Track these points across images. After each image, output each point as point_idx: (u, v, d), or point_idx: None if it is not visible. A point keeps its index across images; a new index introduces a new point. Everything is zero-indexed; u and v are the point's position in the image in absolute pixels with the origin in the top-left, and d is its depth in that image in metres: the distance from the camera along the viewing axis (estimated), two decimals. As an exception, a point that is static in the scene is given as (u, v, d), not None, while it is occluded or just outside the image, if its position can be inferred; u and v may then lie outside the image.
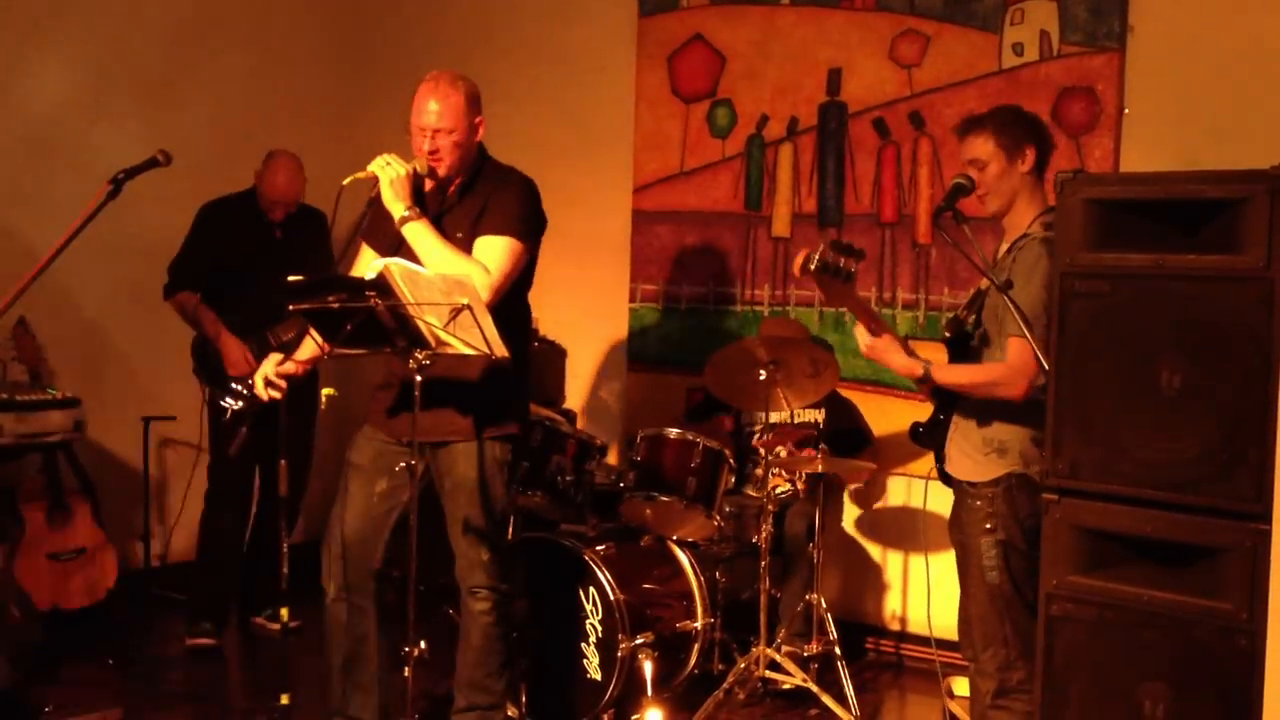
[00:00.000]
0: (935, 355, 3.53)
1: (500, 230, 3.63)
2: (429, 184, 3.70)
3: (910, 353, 3.43)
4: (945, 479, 3.54)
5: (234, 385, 4.92)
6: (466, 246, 3.63)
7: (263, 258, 5.03)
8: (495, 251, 3.61)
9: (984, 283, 3.47)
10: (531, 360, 4.19)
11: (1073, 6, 4.85)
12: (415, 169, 3.61)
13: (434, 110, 3.60)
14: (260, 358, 4.87)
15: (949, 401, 3.47)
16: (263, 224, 5.16)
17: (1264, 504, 2.66)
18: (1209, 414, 2.74)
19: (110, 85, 5.63)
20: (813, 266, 3.18)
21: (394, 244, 3.62)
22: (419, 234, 3.56)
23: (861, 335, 3.46)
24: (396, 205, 3.56)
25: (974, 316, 3.46)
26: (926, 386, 3.44)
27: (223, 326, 5.03)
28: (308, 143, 5.42)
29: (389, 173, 3.56)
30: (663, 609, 4.47)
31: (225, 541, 5.19)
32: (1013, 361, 3.25)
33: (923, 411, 3.60)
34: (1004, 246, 3.46)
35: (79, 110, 5.53)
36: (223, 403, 4.93)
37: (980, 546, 3.32)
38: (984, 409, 3.36)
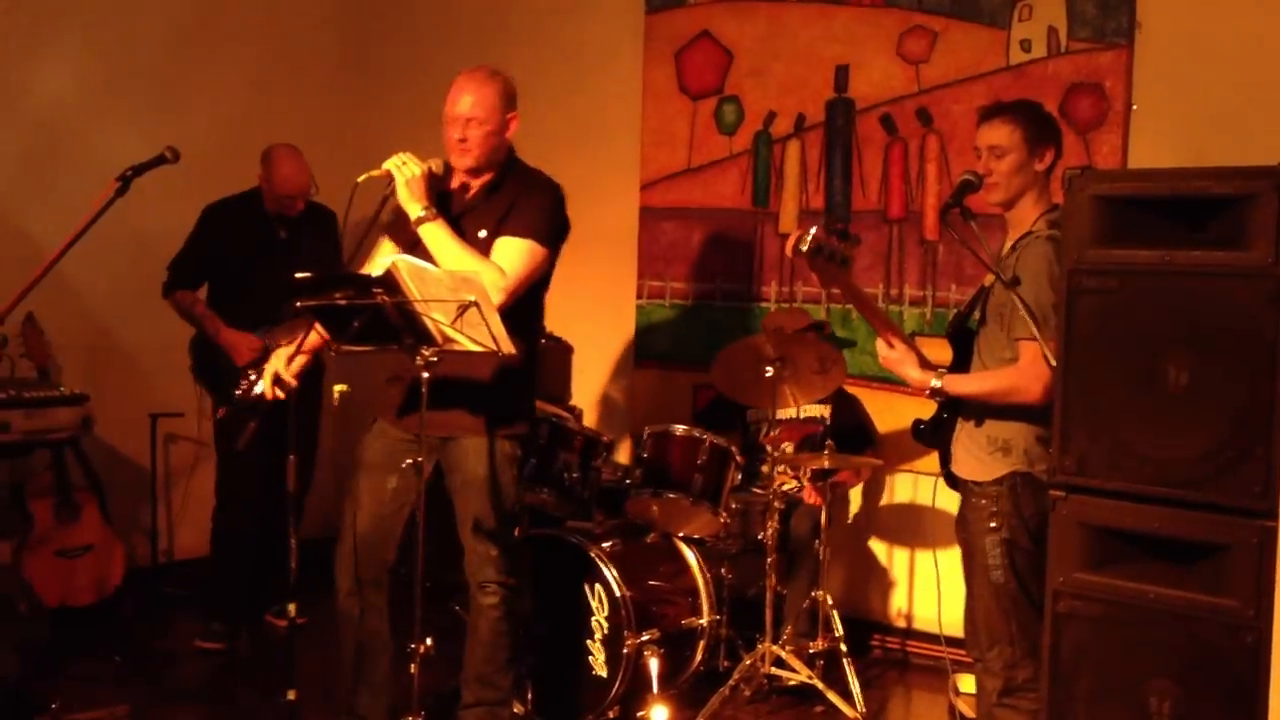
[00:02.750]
0: (940, 352, 3.53)
1: (523, 233, 3.63)
2: (456, 180, 3.70)
3: (925, 364, 3.42)
4: (950, 481, 3.53)
5: (242, 380, 4.94)
6: (488, 245, 3.63)
7: (265, 259, 5.01)
8: (514, 253, 3.61)
9: (988, 279, 3.47)
10: (539, 359, 4.19)
11: (1081, 3, 4.84)
12: (431, 168, 3.61)
13: (468, 100, 3.62)
14: (262, 355, 4.89)
15: (953, 400, 3.46)
16: (266, 225, 5.14)
17: (1270, 501, 2.66)
18: (1216, 410, 2.73)
19: (117, 83, 5.64)
20: (804, 248, 3.14)
21: (413, 240, 3.62)
22: (436, 235, 3.56)
23: (880, 347, 3.46)
24: (413, 205, 3.56)
25: (978, 313, 3.46)
26: (941, 398, 3.42)
27: (221, 323, 5.02)
28: (314, 140, 5.41)
29: (405, 172, 3.56)
30: (669, 606, 4.47)
31: (237, 539, 5.19)
32: (1025, 366, 3.24)
33: (928, 408, 3.60)
34: (1007, 243, 3.45)
35: (86, 108, 5.54)
36: (237, 393, 4.94)
37: (985, 545, 3.31)
38: (988, 408, 3.35)
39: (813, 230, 3.12)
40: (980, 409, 3.36)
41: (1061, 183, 3.00)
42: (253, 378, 4.90)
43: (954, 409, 3.46)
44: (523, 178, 3.77)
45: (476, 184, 3.74)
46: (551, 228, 3.71)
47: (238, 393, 4.93)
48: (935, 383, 3.36)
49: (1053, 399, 3.18)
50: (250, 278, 5.03)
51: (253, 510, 5.22)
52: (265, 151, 5.12)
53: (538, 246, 3.65)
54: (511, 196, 3.70)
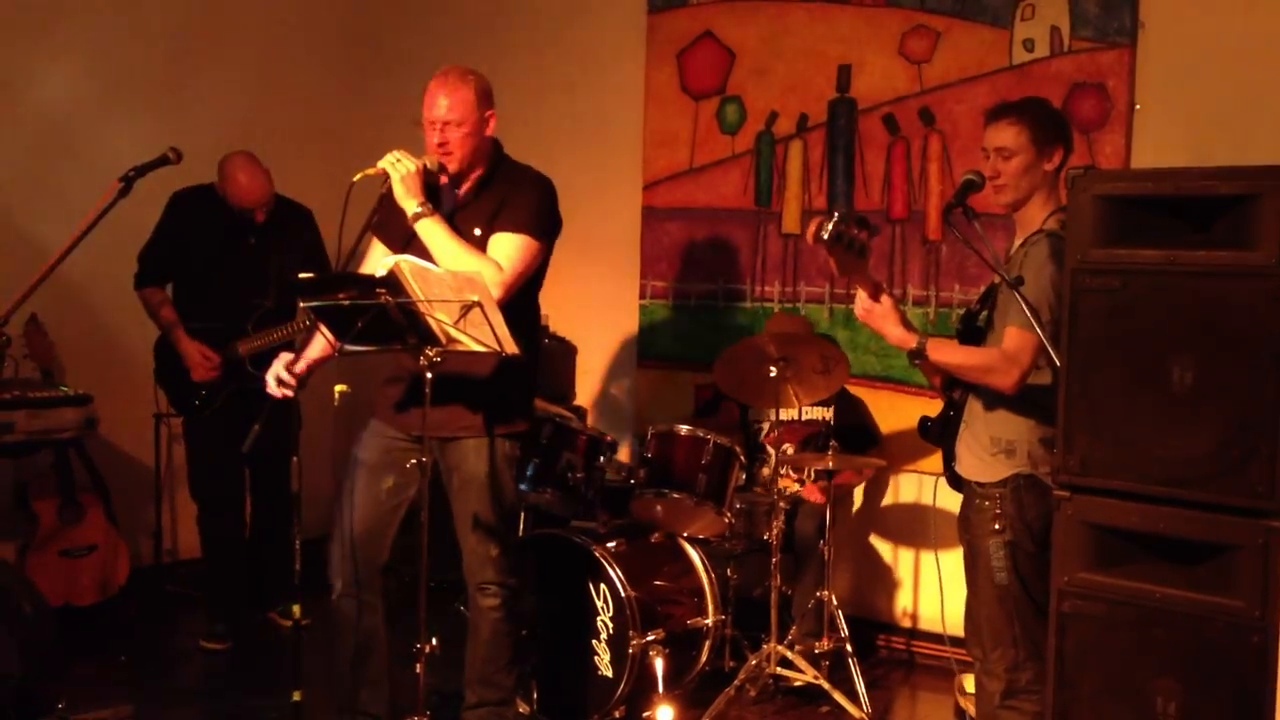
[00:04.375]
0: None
1: (516, 228, 3.64)
2: (444, 179, 3.70)
3: (909, 326, 3.33)
4: (953, 481, 3.53)
5: (195, 398, 4.96)
6: (483, 243, 3.64)
7: (231, 259, 4.98)
8: (510, 248, 3.61)
9: (997, 278, 3.46)
10: (541, 357, 4.20)
11: (1084, 2, 4.84)
12: (426, 165, 3.62)
13: (444, 104, 3.61)
14: (220, 369, 4.89)
15: (960, 400, 3.46)
16: (234, 224, 5.01)
17: (1276, 500, 2.65)
18: (1221, 410, 2.73)
19: (120, 84, 5.65)
20: (825, 235, 3.11)
21: (405, 238, 3.62)
22: (432, 230, 3.57)
23: (861, 299, 3.35)
24: (409, 202, 3.57)
25: (985, 312, 3.45)
26: (921, 363, 3.37)
27: (181, 329, 4.97)
28: (315, 140, 5.43)
29: (400, 169, 3.56)
30: (674, 606, 4.47)
31: (227, 543, 5.19)
32: (1008, 349, 3.22)
33: (932, 408, 3.59)
34: (1016, 242, 3.44)
35: (89, 109, 5.54)
36: (196, 403, 4.96)
37: (988, 548, 3.31)
38: (992, 409, 3.34)
39: (834, 218, 3.09)
40: (985, 409, 3.35)
41: (1064, 183, 2.99)
42: (205, 394, 4.96)
43: (960, 407, 3.46)
44: (512, 173, 3.77)
45: (466, 182, 3.74)
46: (544, 221, 3.71)
47: (196, 403, 4.99)
48: (916, 344, 3.29)
49: (1024, 391, 3.21)
50: (215, 276, 4.98)
51: (237, 511, 5.21)
52: (221, 161, 4.99)
53: (532, 240, 3.65)
54: (502, 193, 3.70)
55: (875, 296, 3.33)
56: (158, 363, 5.14)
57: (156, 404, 5.22)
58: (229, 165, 4.97)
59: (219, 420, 4.93)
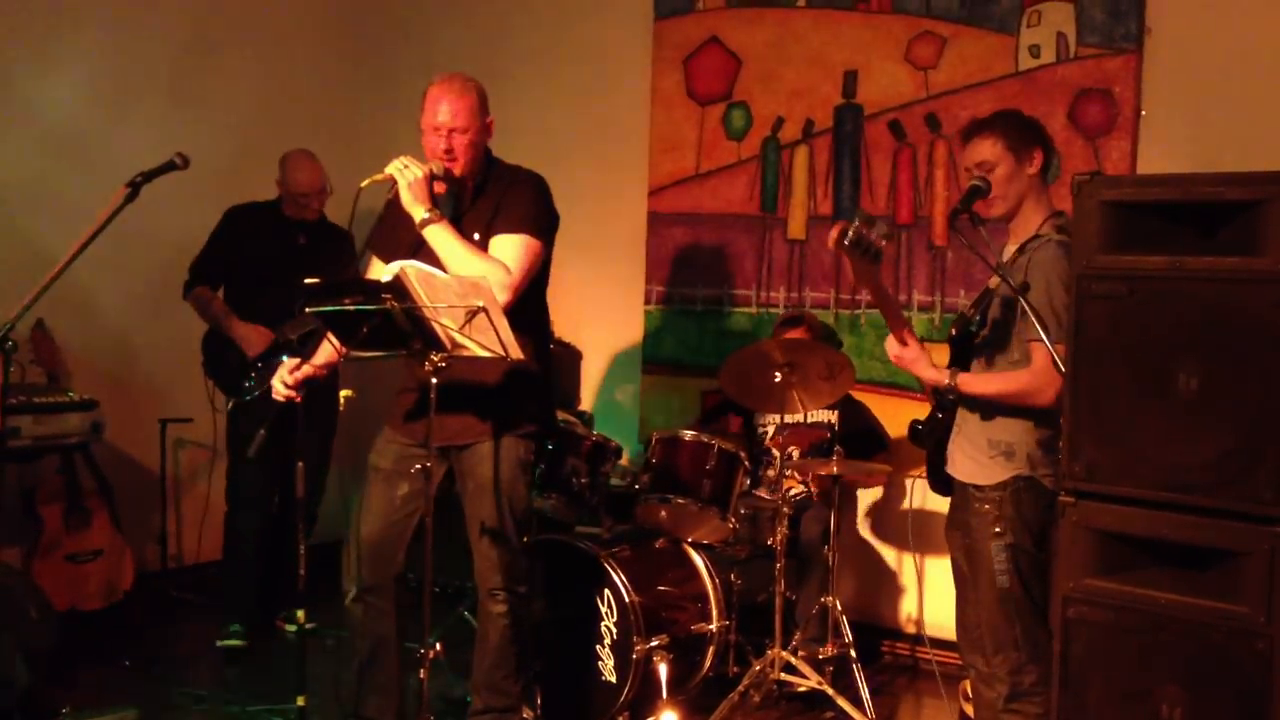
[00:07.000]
0: (940, 357, 3.52)
1: (515, 228, 3.65)
2: (440, 187, 3.71)
3: (934, 364, 3.40)
4: (936, 484, 3.53)
5: (253, 374, 4.97)
6: (483, 247, 3.64)
7: (283, 263, 5.03)
8: (513, 250, 3.63)
9: (993, 282, 3.46)
10: (551, 357, 4.20)
11: (1090, 8, 4.84)
12: (431, 171, 3.63)
13: (449, 110, 3.63)
14: (273, 348, 4.91)
15: (952, 403, 3.46)
16: (286, 230, 5.18)
17: (1282, 507, 2.65)
18: (1227, 416, 2.72)
19: (128, 89, 5.65)
20: (847, 242, 3.14)
21: (410, 249, 3.62)
22: (440, 236, 3.57)
23: (891, 345, 3.42)
24: (416, 208, 3.57)
25: (979, 315, 3.45)
26: (953, 396, 3.41)
27: (235, 316, 5.06)
28: (323, 146, 5.43)
29: (407, 175, 3.57)
30: (678, 611, 4.47)
31: (248, 543, 5.20)
32: (1039, 369, 3.23)
33: (927, 412, 3.59)
34: (1011, 248, 3.44)
35: (97, 113, 5.55)
36: (247, 384, 4.97)
37: (989, 550, 3.31)
38: (988, 412, 3.35)
39: (855, 223, 3.12)
40: (981, 412, 3.36)
41: (1070, 188, 2.99)
42: (261, 367, 4.94)
43: (951, 411, 3.45)
44: (505, 175, 3.79)
45: (464, 189, 3.75)
46: (541, 219, 3.73)
47: (247, 384, 4.99)
48: (949, 381, 3.34)
49: (1061, 403, 3.20)
50: (268, 282, 5.05)
51: (264, 513, 5.23)
52: (283, 156, 5.20)
53: (532, 239, 3.67)
54: (497, 195, 3.72)
55: (902, 340, 3.36)
56: (206, 355, 5.19)
57: (215, 396, 5.22)
58: (289, 157, 5.20)
59: (261, 419, 4.94)
